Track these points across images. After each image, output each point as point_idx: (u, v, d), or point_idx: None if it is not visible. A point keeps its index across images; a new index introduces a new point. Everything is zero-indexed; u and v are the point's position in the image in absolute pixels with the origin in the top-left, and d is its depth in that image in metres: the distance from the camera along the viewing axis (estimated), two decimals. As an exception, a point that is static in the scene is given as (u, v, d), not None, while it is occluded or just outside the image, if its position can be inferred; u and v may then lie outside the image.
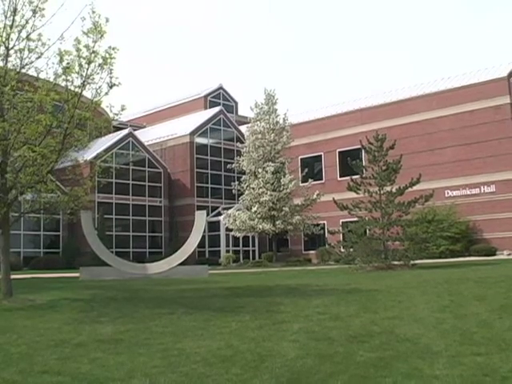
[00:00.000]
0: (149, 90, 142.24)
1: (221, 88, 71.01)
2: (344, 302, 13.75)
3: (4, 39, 15.04)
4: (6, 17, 15.07)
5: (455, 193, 45.10)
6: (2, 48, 15.16)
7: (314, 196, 45.28)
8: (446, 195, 44.83)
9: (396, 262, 29.54)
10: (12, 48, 15.28)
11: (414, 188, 30.72)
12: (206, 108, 65.97)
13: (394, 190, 30.76)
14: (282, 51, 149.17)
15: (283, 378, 6.43)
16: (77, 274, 27.96)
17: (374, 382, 6.29)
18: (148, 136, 58.00)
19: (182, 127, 56.33)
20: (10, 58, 15.34)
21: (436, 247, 39.05)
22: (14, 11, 15.08)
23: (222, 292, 17.67)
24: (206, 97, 69.03)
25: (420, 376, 6.46)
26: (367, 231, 33.27)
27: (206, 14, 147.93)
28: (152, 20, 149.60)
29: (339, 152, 52.05)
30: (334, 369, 6.83)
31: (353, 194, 32.77)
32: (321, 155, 54.05)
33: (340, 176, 50.56)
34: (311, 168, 52.46)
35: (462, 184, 44.87)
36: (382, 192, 30.97)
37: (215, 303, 14.27)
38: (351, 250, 31.80)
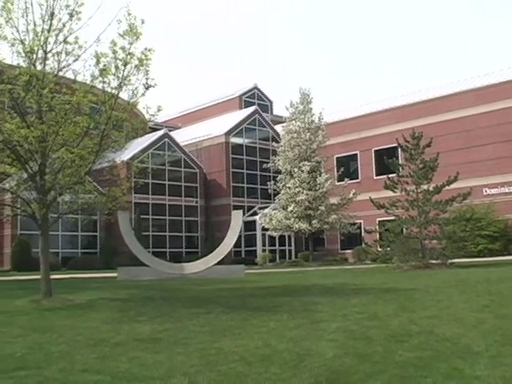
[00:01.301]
0: (184, 91, 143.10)
1: (255, 88, 71.02)
2: (382, 301, 13.65)
3: (42, 43, 15.21)
4: (43, 21, 15.24)
5: (493, 191, 44.55)
6: (40, 52, 15.33)
7: (350, 195, 45.12)
8: (484, 193, 44.31)
9: (433, 261, 29.28)
10: (50, 51, 15.44)
11: (452, 186, 30.40)
12: (240, 108, 66.08)
13: (431, 189, 30.50)
14: (317, 50, 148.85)
15: (322, 378, 6.39)
16: (114, 274, 28.18)
17: (414, 382, 6.20)
18: (183, 136, 58.26)
19: (217, 127, 56.50)
20: (47, 62, 15.51)
21: (474, 246, 38.63)
22: (52, 15, 15.25)
23: (259, 291, 17.66)
24: (240, 97, 69.12)
25: (461, 377, 6.36)
26: (404, 230, 33.03)
27: (239, 13, 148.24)
28: (187, 20, 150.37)
29: (375, 151, 51.86)
30: (373, 368, 6.77)
31: (389, 193, 32.58)
32: (356, 154, 53.89)
33: (376, 175, 50.36)
34: (347, 167, 52.26)
35: (501, 182, 44.31)
36: (419, 190, 30.73)
37: (252, 303, 14.27)
38: (388, 248, 31.66)
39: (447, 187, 30.19)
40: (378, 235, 37.09)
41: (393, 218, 32.54)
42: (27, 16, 15.13)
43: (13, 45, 15.02)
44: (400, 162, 36.22)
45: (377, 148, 51.39)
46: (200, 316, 11.54)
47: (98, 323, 10.93)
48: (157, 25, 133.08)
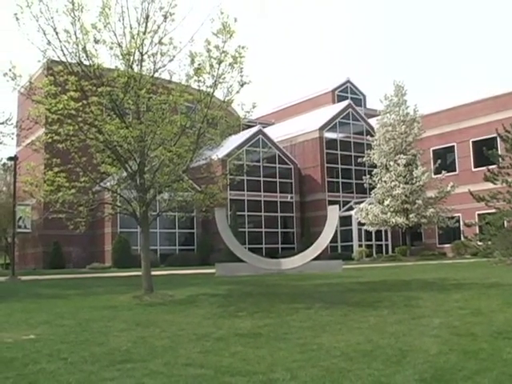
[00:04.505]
0: (277, 87, 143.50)
1: (348, 82, 70.53)
2: (485, 296, 13.28)
3: (138, 45, 15.59)
4: (139, 24, 15.63)
5: None
6: (137, 53, 15.73)
7: (448, 188, 44.14)
8: None
9: (539, 256, 28.24)
10: (146, 53, 15.83)
11: (557, 177, 29.23)
12: (333, 102, 65.72)
13: (534, 180, 29.42)
14: (410, 42, 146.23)
15: (426, 374, 6.23)
16: (212, 270, 28.54)
17: (524, 380, 5.98)
18: (277, 132, 58.33)
19: (310, 122, 56.34)
20: (144, 63, 15.93)
21: None
22: (147, 18, 15.62)
23: (358, 286, 17.54)
24: (333, 91, 68.76)
25: None
26: (506, 223, 31.99)
27: (332, 8, 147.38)
28: (279, 16, 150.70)
29: (473, 142, 50.39)
30: (479, 366, 6.55)
31: (489, 185, 31.64)
32: (454, 146, 52.59)
33: (474, 166, 49.01)
34: (443, 159, 51.12)
35: None
36: (521, 182, 29.70)
37: (351, 298, 14.17)
38: (489, 242, 30.75)
39: (552, 177, 29.05)
40: (477, 229, 36.13)
41: (493, 210, 31.58)
42: (123, 20, 15.58)
43: (111, 48, 15.49)
44: (500, 152, 35.10)
45: (475, 139, 49.91)
46: (300, 311, 11.54)
47: (199, 318, 11.09)
48: (250, 21, 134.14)
